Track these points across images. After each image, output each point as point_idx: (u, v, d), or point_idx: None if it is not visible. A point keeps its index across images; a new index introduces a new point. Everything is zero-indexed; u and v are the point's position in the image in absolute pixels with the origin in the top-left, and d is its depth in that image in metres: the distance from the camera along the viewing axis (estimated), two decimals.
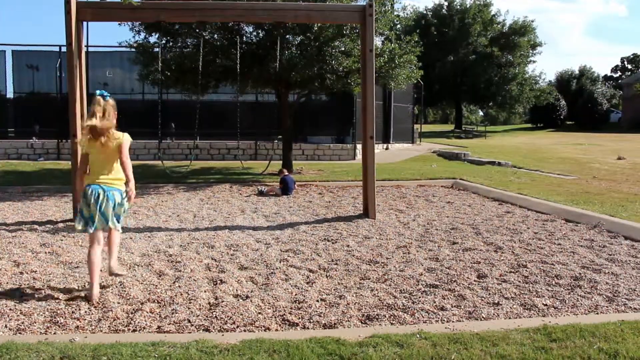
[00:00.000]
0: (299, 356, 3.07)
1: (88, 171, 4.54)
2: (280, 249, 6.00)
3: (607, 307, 4.13)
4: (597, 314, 3.99)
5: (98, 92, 4.54)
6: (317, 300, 4.29)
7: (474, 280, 4.83)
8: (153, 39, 12.82)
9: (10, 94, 20.85)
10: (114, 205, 4.50)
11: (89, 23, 9.42)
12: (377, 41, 13.20)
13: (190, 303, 4.20)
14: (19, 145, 18.55)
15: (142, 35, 12.81)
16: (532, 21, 48.31)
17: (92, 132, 4.40)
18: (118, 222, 4.61)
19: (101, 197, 4.43)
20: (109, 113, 4.46)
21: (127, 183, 4.50)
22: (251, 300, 4.22)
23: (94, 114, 4.41)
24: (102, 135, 4.40)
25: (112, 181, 4.50)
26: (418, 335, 3.41)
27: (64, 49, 11.34)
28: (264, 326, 3.73)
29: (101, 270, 4.64)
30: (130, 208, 5.14)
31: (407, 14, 15.45)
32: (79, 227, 4.55)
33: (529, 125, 58.47)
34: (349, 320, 3.87)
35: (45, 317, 3.90)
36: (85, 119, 4.67)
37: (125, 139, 4.54)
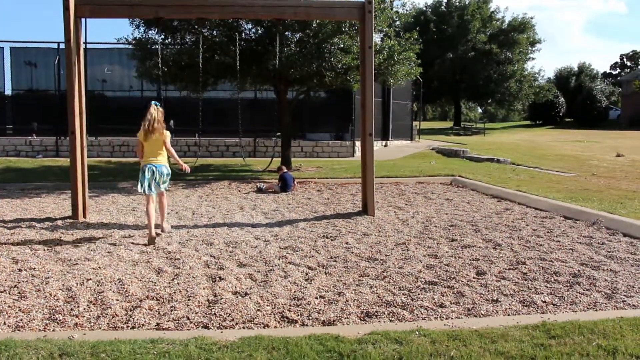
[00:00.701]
0: (297, 353, 3.07)
1: (142, 156, 6.48)
2: (279, 246, 6.00)
3: (605, 304, 4.13)
4: (596, 310, 4.00)
5: (153, 102, 6.64)
6: (316, 297, 4.29)
7: (473, 277, 4.83)
8: (152, 34, 12.79)
9: (8, 91, 20.79)
10: (162, 176, 6.47)
11: (87, 19, 9.39)
12: (377, 38, 13.19)
13: (189, 300, 4.20)
14: (17, 143, 18.53)
15: (142, 29, 12.78)
16: (532, 18, 48.26)
17: (146, 130, 6.40)
18: (165, 188, 6.60)
19: (154, 171, 6.38)
20: (159, 117, 6.49)
21: (177, 163, 6.59)
22: (250, 297, 4.22)
23: (149, 118, 6.46)
24: (153, 132, 6.39)
25: (159, 161, 6.45)
26: (417, 332, 3.41)
27: (62, 46, 11.31)
28: (262, 323, 3.73)
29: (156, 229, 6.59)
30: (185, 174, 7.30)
31: (406, 11, 15.40)
32: (140, 190, 6.37)
33: (528, 122, 58.51)
34: (348, 317, 3.87)
35: (43, 314, 3.90)
36: (143, 120, 6.48)
37: (167, 134, 6.52)
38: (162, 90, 17.60)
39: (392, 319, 3.86)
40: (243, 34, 12.64)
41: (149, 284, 4.59)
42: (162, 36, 12.36)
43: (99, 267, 5.06)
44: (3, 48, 20.48)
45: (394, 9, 13.71)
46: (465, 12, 46.93)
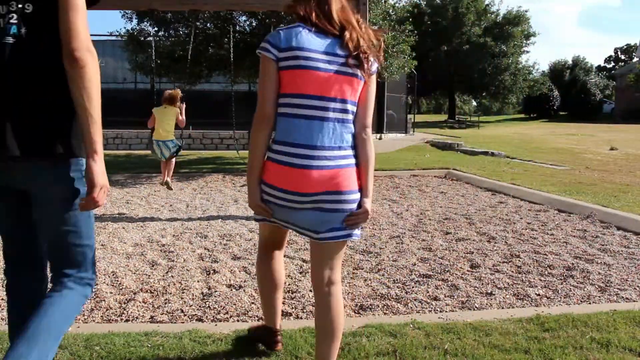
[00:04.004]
0: (292, 346, 3.07)
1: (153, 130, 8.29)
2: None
3: (599, 297, 4.15)
4: (590, 303, 4.01)
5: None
6: (310, 290, 4.28)
7: (467, 270, 4.84)
8: (145, 26, 12.73)
9: None
10: (169, 147, 8.23)
11: None
12: None
13: (183, 293, 4.19)
14: None
15: (134, 22, 12.72)
16: (526, 11, 48.31)
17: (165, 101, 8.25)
18: (174, 153, 8.34)
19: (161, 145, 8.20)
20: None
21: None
22: (244, 290, 4.22)
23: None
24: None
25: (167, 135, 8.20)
26: (411, 325, 3.42)
27: None
28: (257, 316, 3.72)
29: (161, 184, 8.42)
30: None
31: (402, 4, 15.39)
32: (154, 157, 8.57)
33: (522, 115, 58.63)
34: None
35: None
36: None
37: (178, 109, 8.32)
38: (155, 82, 17.54)
39: (387, 312, 3.86)
40: (237, 26, 12.59)
41: (142, 276, 4.58)
42: (156, 29, 12.29)
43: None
44: None
45: (389, 1, 13.68)
46: (460, 5, 46.88)
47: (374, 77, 2.51)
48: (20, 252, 2.28)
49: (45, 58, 1.99)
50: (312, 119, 2.37)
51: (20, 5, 1.95)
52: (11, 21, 1.94)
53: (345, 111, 2.41)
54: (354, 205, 2.44)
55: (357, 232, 2.54)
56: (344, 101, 2.40)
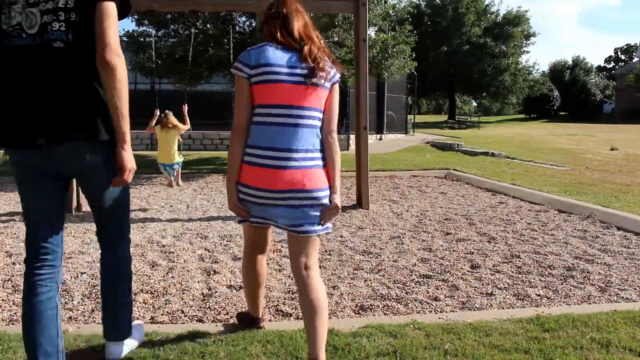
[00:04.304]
0: (292, 346, 3.07)
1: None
2: (274, 239, 5.99)
3: (599, 297, 4.15)
4: (590, 304, 4.01)
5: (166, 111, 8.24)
6: None
7: (468, 271, 4.84)
8: (144, 27, 12.74)
9: None
10: (174, 169, 8.53)
11: None
12: (371, 32, 13.18)
13: (183, 294, 4.19)
14: None
15: (134, 24, 12.74)
16: (526, 11, 48.35)
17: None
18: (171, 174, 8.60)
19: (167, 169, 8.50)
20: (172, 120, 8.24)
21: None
22: (244, 291, 4.21)
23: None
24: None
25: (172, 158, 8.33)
26: (412, 326, 3.42)
27: None
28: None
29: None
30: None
31: (402, 4, 15.40)
32: (165, 173, 8.68)
33: (523, 115, 58.63)
34: (342, 311, 3.87)
35: None
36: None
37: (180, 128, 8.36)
38: (155, 83, 17.54)
39: (387, 312, 3.86)
40: (237, 27, 12.60)
41: (143, 277, 4.58)
42: (155, 29, 12.30)
43: (93, 261, 5.05)
44: None
45: (390, 2, 13.69)
46: (460, 5, 46.90)
47: (336, 86, 2.83)
48: (48, 239, 2.59)
49: (87, 60, 2.34)
50: (281, 125, 2.69)
51: (67, 15, 2.31)
52: (61, 28, 2.31)
53: (311, 117, 2.74)
54: (321, 202, 2.75)
55: (328, 225, 2.84)
56: (309, 109, 2.72)
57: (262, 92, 2.69)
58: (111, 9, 2.33)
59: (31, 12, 2.34)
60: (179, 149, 8.50)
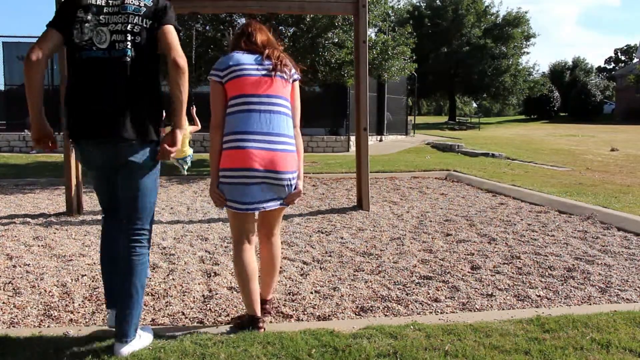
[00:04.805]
0: (293, 348, 3.07)
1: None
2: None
3: (600, 297, 4.15)
4: (590, 304, 4.01)
5: None
6: (311, 292, 4.30)
7: (468, 272, 4.84)
8: None
9: (1, 86, 20.73)
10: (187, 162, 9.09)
11: None
12: (371, 33, 13.19)
13: (184, 295, 4.20)
14: (10, 138, 18.45)
15: None
16: (526, 12, 48.37)
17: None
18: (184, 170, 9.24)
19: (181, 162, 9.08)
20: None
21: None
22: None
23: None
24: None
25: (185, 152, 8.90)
26: (412, 327, 3.42)
27: None
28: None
29: None
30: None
31: (401, 5, 15.42)
32: (179, 167, 9.26)
33: (523, 116, 58.65)
34: (343, 312, 3.88)
35: (38, 310, 3.89)
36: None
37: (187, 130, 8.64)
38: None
39: (387, 313, 3.87)
40: (237, 29, 12.61)
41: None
42: None
43: (94, 263, 5.05)
44: None
45: (389, 4, 13.69)
46: (460, 7, 46.95)
47: (296, 84, 3.38)
48: (113, 207, 3.26)
49: (144, 74, 3.01)
50: (249, 112, 3.15)
51: (133, 37, 2.95)
52: (127, 47, 2.93)
53: (277, 104, 3.21)
54: (291, 182, 3.24)
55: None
56: (275, 97, 3.20)
57: (233, 87, 3.18)
58: (173, 29, 3.04)
59: (101, 30, 2.93)
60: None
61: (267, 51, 3.27)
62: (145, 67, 3.01)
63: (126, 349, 3.00)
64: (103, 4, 2.97)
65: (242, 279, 3.36)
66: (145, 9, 3.00)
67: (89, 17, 2.93)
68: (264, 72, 3.21)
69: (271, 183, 3.18)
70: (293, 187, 3.28)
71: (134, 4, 2.99)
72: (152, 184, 3.14)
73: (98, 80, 2.92)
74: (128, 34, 2.93)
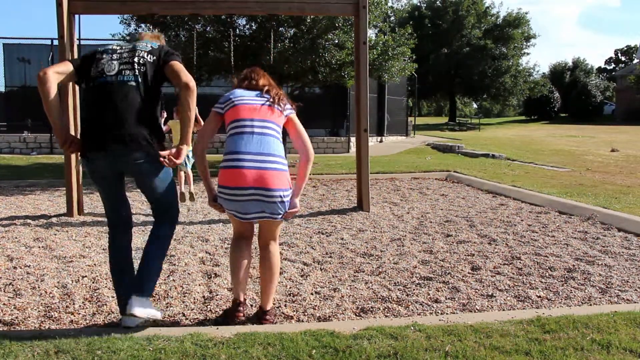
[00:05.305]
0: (293, 349, 3.07)
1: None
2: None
3: (600, 298, 4.15)
4: (591, 305, 4.01)
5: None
6: (312, 293, 4.30)
7: (468, 273, 4.84)
8: (144, 29, 12.72)
9: (1, 88, 20.69)
10: (188, 156, 8.07)
11: (81, 15, 9.36)
12: (371, 33, 13.18)
13: (184, 297, 4.20)
14: (11, 140, 18.46)
15: (132, 27, 12.71)
16: (526, 13, 48.36)
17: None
18: (187, 165, 8.29)
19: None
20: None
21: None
22: (246, 294, 4.22)
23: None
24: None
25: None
26: (412, 328, 3.42)
27: (55, 42, 11.22)
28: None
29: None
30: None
31: (401, 6, 15.42)
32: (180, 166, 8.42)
33: (523, 117, 58.65)
34: (343, 313, 3.88)
35: (39, 311, 3.90)
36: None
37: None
38: None
39: (388, 314, 3.87)
40: (237, 30, 12.60)
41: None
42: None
43: (94, 264, 5.06)
44: None
45: (389, 4, 13.68)
46: (460, 8, 46.93)
47: (293, 116, 3.70)
48: (120, 217, 3.74)
49: (148, 96, 3.42)
50: (242, 134, 3.45)
51: (138, 67, 3.43)
52: (132, 74, 3.40)
53: (268, 128, 3.49)
54: (283, 200, 3.45)
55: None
56: (267, 121, 3.51)
57: (231, 114, 3.53)
58: (178, 62, 3.48)
59: (111, 62, 3.43)
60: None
61: (266, 87, 3.67)
62: (148, 92, 3.41)
63: (139, 310, 3.31)
64: (118, 49, 3.53)
65: (233, 267, 3.67)
66: (150, 48, 3.54)
67: (105, 57, 3.48)
68: (260, 102, 3.57)
69: (262, 200, 3.41)
70: (287, 204, 3.50)
71: (142, 44, 3.56)
72: (165, 177, 3.54)
73: (106, 100, 3.35)
74: (135, 64, 3.41)
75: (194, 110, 3.39)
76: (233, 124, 3.50)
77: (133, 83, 3.38)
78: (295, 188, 3.61)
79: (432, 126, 42.21)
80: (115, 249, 3.76)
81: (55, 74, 3.39)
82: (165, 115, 8.76)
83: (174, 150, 3.42)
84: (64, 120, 3.47)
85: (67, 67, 3.50)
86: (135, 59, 3.45)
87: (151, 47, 3.57)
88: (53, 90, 3.38)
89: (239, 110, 3.51)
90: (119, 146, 3.32)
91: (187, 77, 3.37)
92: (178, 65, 3.45)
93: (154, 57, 3.50)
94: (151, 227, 3.70)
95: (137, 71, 3.42)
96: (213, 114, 3.63)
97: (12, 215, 7.55)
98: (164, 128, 8.73)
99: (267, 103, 3.57)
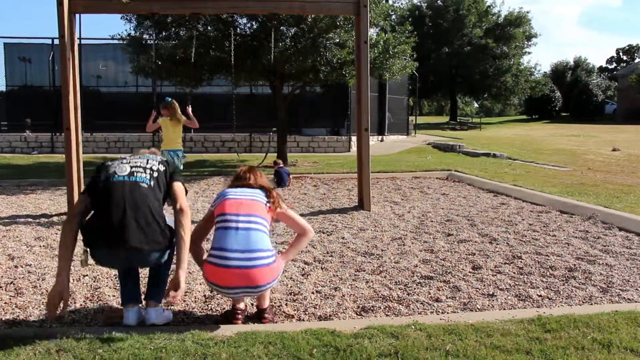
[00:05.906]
0: (294, 348, 3.08)
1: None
2: (275, 241, 6.00)
3: (601, 297, 4.15)
4: (591, 304, 4.01)
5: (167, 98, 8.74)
6: (313, 292, 4.30)
7: (469, 272, 4.84)
8: (144, 28, 12.71)
9: (2, 87, 20.73)
10: (179, 156, 8.58)
11: (82, 15, 9.35)
12: (372, 32, 13.17)
13: (185, 296, 4.20)
14: (12, 139, 18.48)
15: (134, 23, 12.68)
16: (527, 12, 48.29)
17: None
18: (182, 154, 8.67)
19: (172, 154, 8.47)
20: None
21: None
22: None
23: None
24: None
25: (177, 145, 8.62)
26: (413, 327, 3.42)
27: (56, 42, 11.20)
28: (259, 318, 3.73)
29: None
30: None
31: (402, 5, 15.41)
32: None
33: (524, 116, 58.59)
34: (344, 312, 3.88)
35: (40, 310, 3.90)
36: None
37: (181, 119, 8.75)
38: (157, 85, 17.53)
39: (388, 313, 3.87)
40: (238, 29, 12.59)
41: (145, 279, 4.57)
42: (156, 31, 12.28)
43: (95, 264, 5.05)
44: None
45: (390, 2, 13.67)
46: (461, 7, 46.84)
47: (290, 212, 3.80)
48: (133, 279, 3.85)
49: (156, 198, 3.62)
50: (228, 229, 3.50)
51: (150, 172, 3.69)
52: (144, 176, 3.65)
53: (253, 222, 3.53)
54: (265, 288, 3.55)
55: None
56: (251, 215, 3.56)
57: (220, 207, 3.64)
58: (181, 184, 3.83)
59: (123, 165, 3.68)
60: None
61: (265, 188, 3.82)
62: (156, 193, 3.63)
63: (157, 319, 3.58)
64: (130, 160, 3.79)
65: None
66: (160, 159, 3.89)
67: (115, 163, 3.75)
68: (247, 197, 3.68)
69: (250, 293, 3.54)
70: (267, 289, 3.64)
71: (152, 156, 3.89)
72: (166, 263, 3.74)
73: (116, 198, 3.48)
74: (147, 169, 3.69)
75: (188, 233, 3.56)
76: (219, 217, 3.60)
77: (145, 185, 3.59)
78: (288, 253, 3.80)
79: (433, 125, 42.17)
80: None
81: (80, 214, 3.61)
82: (155, 113, 8.70)
83: (171, 292, 3.39)
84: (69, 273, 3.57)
85: (84, 199, 3.65)
86: (148, 165, 3.73)
87: (160, 159, 3.89)
88: (74, 235, 3.60)
89: (224, 205, 3.61)
90: (134, 252, 3.44)
91: (184, 203, 3.68)
92: (180, 188, 3.78)
93: (163, 169, 3.80)
94: None
95: (149, 176, 3.67)
96: (208, 212, 3.79)
97: (14, 214, 7.56)
98: (154, 126, 8.81)
99: (256, 199, 3.68)
